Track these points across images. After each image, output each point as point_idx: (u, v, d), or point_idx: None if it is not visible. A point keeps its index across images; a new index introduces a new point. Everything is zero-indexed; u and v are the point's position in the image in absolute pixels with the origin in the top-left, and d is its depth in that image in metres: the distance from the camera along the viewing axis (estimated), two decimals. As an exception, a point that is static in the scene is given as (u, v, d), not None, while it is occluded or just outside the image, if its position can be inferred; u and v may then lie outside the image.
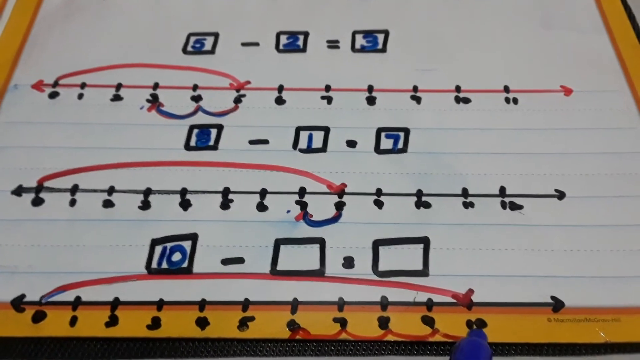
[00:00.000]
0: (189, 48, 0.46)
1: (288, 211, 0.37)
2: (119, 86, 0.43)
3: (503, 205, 0.37)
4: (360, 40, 0.46)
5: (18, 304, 0.34)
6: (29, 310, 0.34)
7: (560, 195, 0.38)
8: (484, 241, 0.36)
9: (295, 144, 0.40)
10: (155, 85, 0.43)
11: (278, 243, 0.36)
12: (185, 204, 0.38)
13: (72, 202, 0.38)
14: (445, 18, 0.47)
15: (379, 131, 0.41)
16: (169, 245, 0.36)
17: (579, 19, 0.47)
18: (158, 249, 0.36)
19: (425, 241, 0.36)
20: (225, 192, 0.38)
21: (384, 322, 0.33)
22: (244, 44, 0.46)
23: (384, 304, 0.34)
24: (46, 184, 0.39)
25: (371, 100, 0.42)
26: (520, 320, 0.33)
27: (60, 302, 0.34)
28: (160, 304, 0.34)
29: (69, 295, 0.34)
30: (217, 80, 0.44)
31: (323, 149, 0.40)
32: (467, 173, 0.39)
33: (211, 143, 0.40)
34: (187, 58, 0.45)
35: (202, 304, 0.34)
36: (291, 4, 0.48)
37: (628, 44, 0.45)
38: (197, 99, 0.43)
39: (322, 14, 0.48)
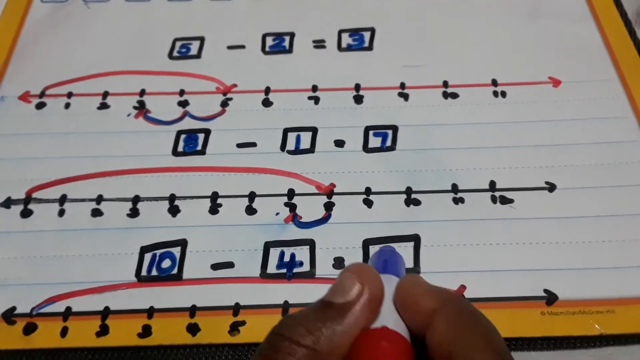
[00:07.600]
0: (175, 53, 0.45)
1: (277, 213, 0.37)
2: (105, 94, 0.43)
3: (493, 199, 0.37)
4: (346, 39, 0.46)
5: (9, 316, 0.34)
6: (20, 323, 0.34)
7: (551, 187, 0.37)
8: (475, 236, 0.35)
9: (283, 146, 0.40)
10: (142, 92, 0.43)
11: (267, 246, 0.36)
12: (174, 210, 0.37)
13: (61, 212, 0.38)
14: (431, 13, 0.47)
15: (367, 129, 0.40)
16: (158, 252, 0.36)
17: (566, 8, 0.46)
18: (147, 257, 0.36)
19: (415, 239, 0.35)
20: (214, 196, 0.38)
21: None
22: (229, 47, 0.46)
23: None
24: (35, 195, 0.38)
25: (358, 99, 0.42)
26: (513, 315, 0.33)
27: (51, 313, 0.34)
28: (150, 312, 0.34)
29: (60, 306, 0.34)
30: (204, 85, 0.43)
31: (311, 149, 0.40)
32: (457, 168, 0.38)
33: (199, 148, 0.40)
34: (173, 63, 0.45)
35: (193, 310, 0.34)
36: (276, 5, 0.48)
37: (616, 32, 0.44)
38: (184, 104, 0.42)
39: (308, 14, 0.47)
